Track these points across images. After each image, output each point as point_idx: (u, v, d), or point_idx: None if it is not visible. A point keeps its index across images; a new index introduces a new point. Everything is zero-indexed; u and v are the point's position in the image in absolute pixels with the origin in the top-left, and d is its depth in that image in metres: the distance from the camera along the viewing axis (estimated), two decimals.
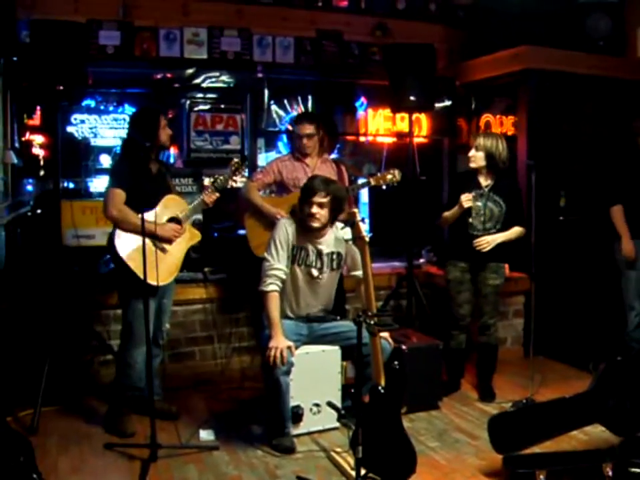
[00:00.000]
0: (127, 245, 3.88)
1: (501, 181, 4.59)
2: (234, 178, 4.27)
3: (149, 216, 3.81)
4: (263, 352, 3.79)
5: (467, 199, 4.45)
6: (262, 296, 3.90)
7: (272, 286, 3.87)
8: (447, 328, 4.73)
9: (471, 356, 4.93)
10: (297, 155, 4.86)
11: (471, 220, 4.54)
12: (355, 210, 3.46)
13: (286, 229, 3.98)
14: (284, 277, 3.93)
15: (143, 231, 3.60)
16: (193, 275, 5.12)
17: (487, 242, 4.48)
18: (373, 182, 4.79)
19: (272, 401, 3.82)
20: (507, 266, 5.73)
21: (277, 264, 3.91)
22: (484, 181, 4.59)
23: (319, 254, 4.01)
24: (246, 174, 4.41)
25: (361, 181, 5.22)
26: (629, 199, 4.98)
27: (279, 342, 3.72)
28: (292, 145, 5.03)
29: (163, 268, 3.85)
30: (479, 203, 4.53)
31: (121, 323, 4.14)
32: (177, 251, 4.03)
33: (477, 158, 4.54)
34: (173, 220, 4.03)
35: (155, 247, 3.84)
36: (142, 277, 3.75)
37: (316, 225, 3.92)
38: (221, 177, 4.19)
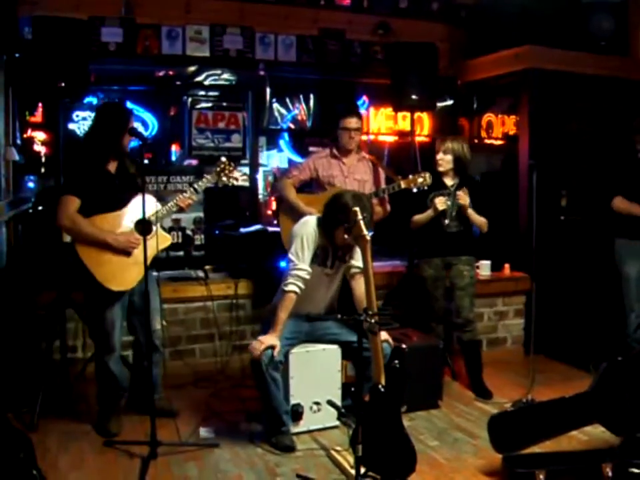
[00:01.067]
0: (89, 252, 3.77)
1: (465, 179, 4.76)
2: (222, 179, 4.06)
3: (111, 219, 3.77)
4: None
5: (440, 202, 4.58)
6: (280, 293, 3.87)
7: (292, 286, 3.82)
8: (427, 321, 4.85)
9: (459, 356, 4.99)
10: (335, 153, 4.81)
11: (444, 220, 4.67)
12: (356, 209, 3.45)
13: (313, 228, 3.92)
14: (307, 277, 3.86)
15: (143, 233, 3.55)
16: (194, 272, 5.13)
17: (465, 198, 4.58)
18: (403, 184, 4.66)
19: (264, 398, 3.81)
20: (507, 266, 5.77)
21: (301, 264, 3.85)
22: (450, 181, 4.74)
23: (336, 250, 4.00)
24: (237, 175, 4.20)
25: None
26: (627, 197, 4.98)
27: (267, 339, 3.71)
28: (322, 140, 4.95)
29: (126, 273, 3.75)
30: (448, 202, 4.64)
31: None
32: (141, 255, 3.67)
33: (445, 161, 4.69)
34: (142, 222, 3.68)
35: (116, 252, 3.77)
36: (103, 282, 3.73)
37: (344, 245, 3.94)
38: (204, 181, 4.03)
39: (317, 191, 4.82)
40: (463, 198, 4.57)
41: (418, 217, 4.71)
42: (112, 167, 3.93)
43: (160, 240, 3.90)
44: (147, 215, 3.72)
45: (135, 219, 3.79)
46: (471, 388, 4.79)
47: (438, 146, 4.75)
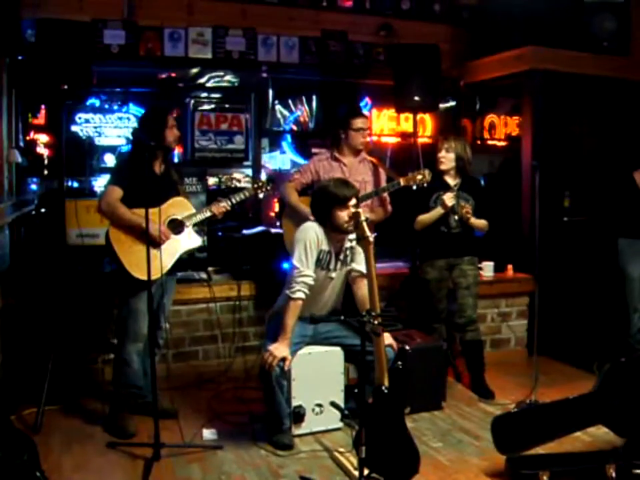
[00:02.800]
0: (121, 238, 3.91)
1: (467, 179, 4.78)
2: (259, 195, 4.40)
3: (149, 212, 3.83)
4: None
5: (449, 198, 4.59)
6: (287, 300, 3.86)
7: (299, 293, 3.82)
8: (429, 322, 4.85)
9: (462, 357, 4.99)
10: (335, 155, 4.80)
11: (453, 216, 4.67)
12: (359, 209, 3.44)
13: (316, 233, 3.91)
14: (312, 283, 3.86)
15: (147, 229, 3.59)
16: (197, 274, 5.14)
17: (469, 211, 4.60)
18: (402, 182, 4.65)
19: (269, 401, 3.84)
20: (510, 267, 5.77)
21: (306, 270, 3.84)
22: (452, 181, 4.75)
23: (337, 254, 3.99)
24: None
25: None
26: (630, 201, 4.98)
27: (278, 350, 3.72)
28: (333, 142, 4.92)
29: (153, 264, 3.76)
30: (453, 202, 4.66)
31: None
32: (171, 250, 3.99)
33: (447, 159, 4.71)
34: (174, 221, 4.04)
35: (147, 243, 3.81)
36: (129, 269, 3.84)
37: (351, 228, 3.86)
38: (241, 195, 4.26)
39: None
40: (467, 211, 4.58)
41: (424, 217, 4.71)
42: (158, 168, 4.09)
43: (190, 241, 4.13)
44: (180, 216, 4.06)
45: (169, 217, 4.03)
46: (473, 388, 4.79)
47: (440, 144, 4.77)
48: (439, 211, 4.63)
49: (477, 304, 4.87)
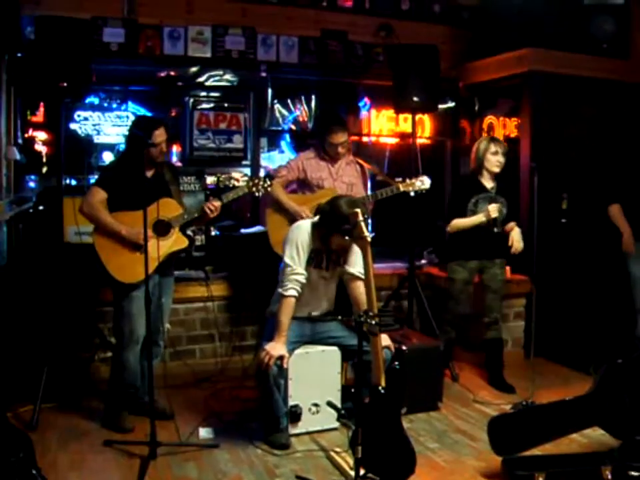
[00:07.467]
0: (103, 243, 3.93)
1: (501, 182, 4.80)
2: (254, 192, 4.19)
3: (134, 216, 3.82)
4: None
5: (494, 210, 4.59)
6: (279, 298, 3.88)
7: (291, 291, 3.83)
8: (441, 323, 4.86)
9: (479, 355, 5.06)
10: (323, 155, 4.82)
11: (493, 228, 4.71)
12: (357, 210, 3.45)
13: (308, 232, 3.92)
14: (304, 281, 3.88)
15: (145, 229, 3.60)
16: (194, 273, 5.14)
17: (519, 244, 4.65)
18: (401, 188, 4.67)
19: (265, 400, 3.84)
20: (508, 268, 5.77)
21: (298, 268, 3.86)
22: (488, 184, 4.75)
23: (330, 253, 3.99)
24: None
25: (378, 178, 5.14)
26: (629, 200, 4.97)
27: (275, 349, 3.71)
28: (300, 146, 4.89)
29: (135, 266, 3.82)
30: (503, 210, 4.70)
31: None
32: (155, 252, 3.83)
33: (502, 163, 4.71)
34: (161, 222, 3.97)
35: (128, 246, 3.91)
36: (112, 273, 3.88)
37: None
38: (234, 193, 4.16)
39: (304, 191, 4.82)
40: (518, 246, 4.64)
41: (462, 222, 4.69)
42: (149, 173, 4.07)
43: (176, 242, 4.05)
44: (167, 218, 3.99)
45: (155, 219, 3.94)
46: (492, 384, 4.85)
47: (494, 146, 4.72)
48: (480, 218, 4.62)
49: (502, 303, 4.96)
